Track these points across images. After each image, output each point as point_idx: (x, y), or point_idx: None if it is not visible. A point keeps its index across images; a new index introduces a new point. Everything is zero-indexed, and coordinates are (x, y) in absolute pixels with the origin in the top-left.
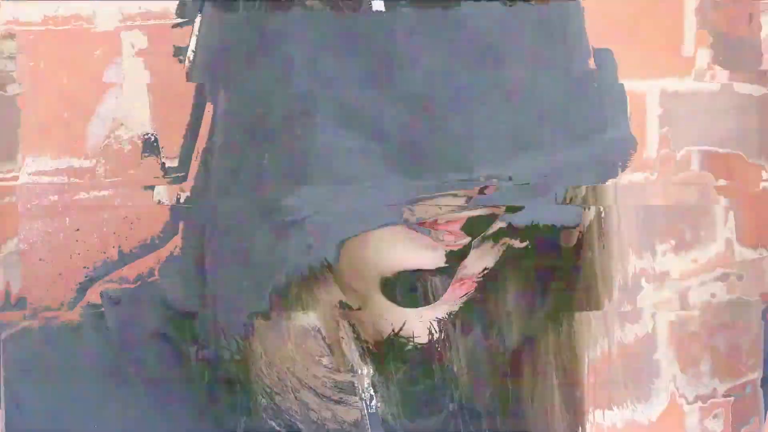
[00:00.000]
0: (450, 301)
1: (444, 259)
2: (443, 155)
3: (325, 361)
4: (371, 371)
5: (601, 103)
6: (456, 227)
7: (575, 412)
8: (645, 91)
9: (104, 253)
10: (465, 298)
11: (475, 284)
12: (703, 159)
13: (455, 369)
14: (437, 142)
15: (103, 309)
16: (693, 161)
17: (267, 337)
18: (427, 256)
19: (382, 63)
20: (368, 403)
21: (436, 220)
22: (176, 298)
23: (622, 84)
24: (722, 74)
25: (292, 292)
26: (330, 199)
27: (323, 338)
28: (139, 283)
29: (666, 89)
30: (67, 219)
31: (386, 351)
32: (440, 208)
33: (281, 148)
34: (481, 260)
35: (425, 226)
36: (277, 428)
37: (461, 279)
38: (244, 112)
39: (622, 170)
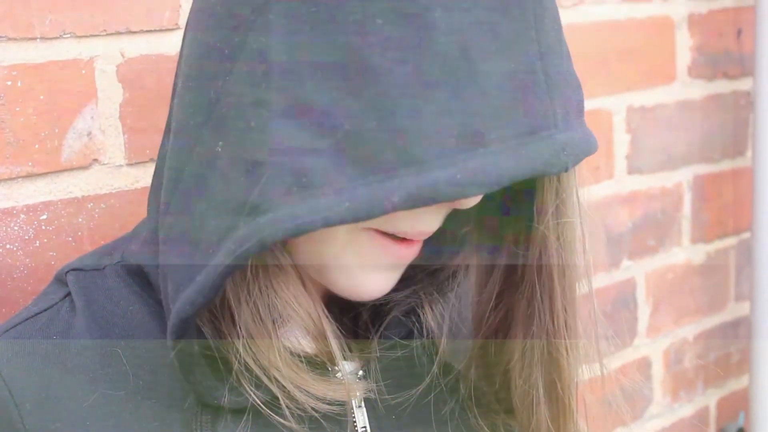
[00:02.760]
0: (401, 261)
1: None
2: (393, 150)
3: (308, 350)
4: (355, 364)
5: (552, 100)
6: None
7: (558, 371)
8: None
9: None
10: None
11: (421, 244)
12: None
13: (433, 330)
14: (387, 137)
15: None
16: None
17: (246, 321)
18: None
19: (336, 57)
20: (351, 385)
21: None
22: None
23: (577, 79)
24: (703, 87)
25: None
26: (288, 197)
27: (307, 331)
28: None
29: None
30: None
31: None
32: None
33: (235, 138)
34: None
35: (396, 240)
36: (258, 400)
37: (410, 240)
38: (200, 92)
39: (572, 166)
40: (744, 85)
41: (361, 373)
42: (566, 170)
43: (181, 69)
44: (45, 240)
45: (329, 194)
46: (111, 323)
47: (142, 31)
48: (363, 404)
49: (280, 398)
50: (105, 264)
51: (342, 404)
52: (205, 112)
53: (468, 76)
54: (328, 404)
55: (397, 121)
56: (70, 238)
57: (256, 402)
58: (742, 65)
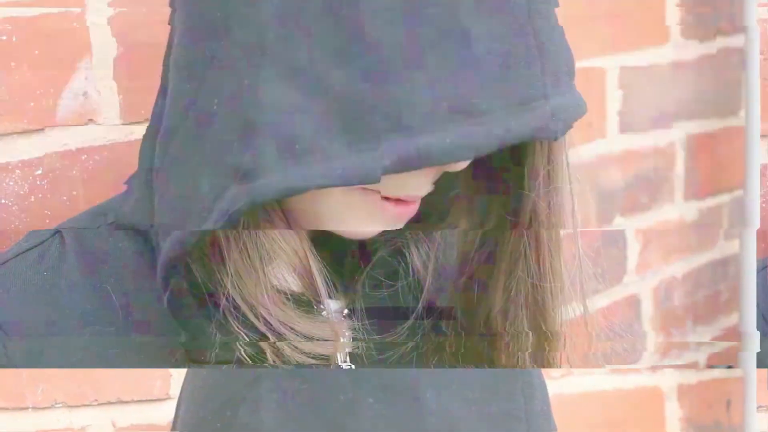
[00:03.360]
0: (397, 220)
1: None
2: (383, 116)
3: (294, 288)
4: (341, 302)
5: (543, 65)
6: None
7: (543, 314)
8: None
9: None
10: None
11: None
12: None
13: (419, 270)
14: (378, 104)
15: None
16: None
17: (235, 259)
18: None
19: (329, 22)
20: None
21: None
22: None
23: (567, 43)
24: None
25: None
26: (280, 161)
27: (293, 268)
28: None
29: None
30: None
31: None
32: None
33: (230, 97)
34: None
35: (390, 200)
36: (247, 338)
37: (405, 200)
38: (195, 53)
39: (561, 135)
40: (737, 41)
41: (346, 311)
42: (556, 138)
43: (176, 28)
44: (39, 195)
45: (320, 159)
46: (100, 260)
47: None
48: (348, 359)
49: (266, 346)
50: (99, 224)
51: (327, 358)
52: (201, 72)
53: (459, 44)
54: (313, 359)
55: (389, 89)
56: (65, 198)
57: (240, 353)
58: (732, 23)
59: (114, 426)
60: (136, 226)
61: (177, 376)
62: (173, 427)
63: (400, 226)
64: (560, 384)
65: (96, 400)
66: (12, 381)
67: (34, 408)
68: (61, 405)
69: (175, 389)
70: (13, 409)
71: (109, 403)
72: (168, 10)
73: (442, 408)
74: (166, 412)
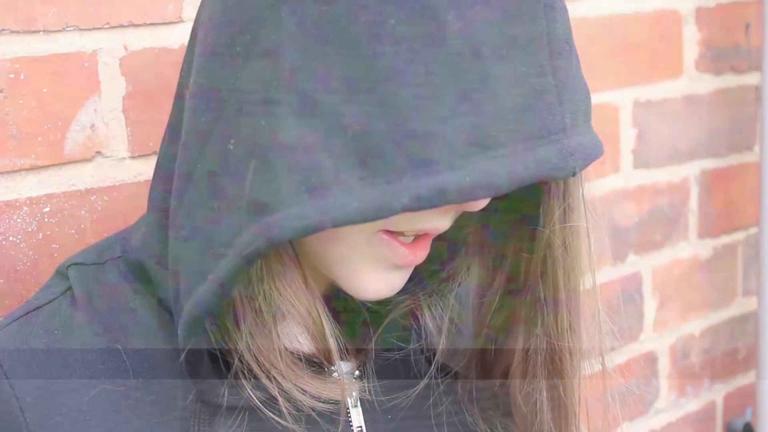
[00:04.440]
0: (409, 263)
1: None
2: (401, 151)
3: (306, 349)
4: (352, 363)
5: (561, 104)
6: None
7: (561, 374)
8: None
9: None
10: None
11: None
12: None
13: (432, 332)
14: (396, 139)
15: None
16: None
17: (249, 320)
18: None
19: (347, 57)
20: (348, 386)
21: (417, 235)
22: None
23: (585, 84)
24: (711, 81)
25: (255, 274)
26: (297, 196)
27: (306, 329)
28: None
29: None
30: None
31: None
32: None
33: (247, 135)
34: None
35: (402, 244)
36: (257, 401)
37: (417, 241)
38: (211, 89)
39: (579, 171)
40: (752, 79)
41: (357, 373)
42: (573, 175)
43: (192, 65)
44: (48, 232)
45: (338, 194)
46: (112, 319)
47: (145, 24)
48: (359, 404)
49: (277, 397)
50: (106, 258)
51: (338, 403)
52: (217, 109)
53: (479, 78)
54: (323, 403)
55: (407, 122)
56: (73, 231)
57: (253, 401)
58: (749, 60)
59: (126, 49)
60: (143, 263)
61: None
62: (188, 50)
63: (411, 269)
64: (579, 6)
65: (108, 24)
66: (23, 4)
67: (45, 31)
68: (72, 28)
69: (187, 12)
70: (24, 32)
71: (121, 26)
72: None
73: (465, 31)
74: (177, 36)
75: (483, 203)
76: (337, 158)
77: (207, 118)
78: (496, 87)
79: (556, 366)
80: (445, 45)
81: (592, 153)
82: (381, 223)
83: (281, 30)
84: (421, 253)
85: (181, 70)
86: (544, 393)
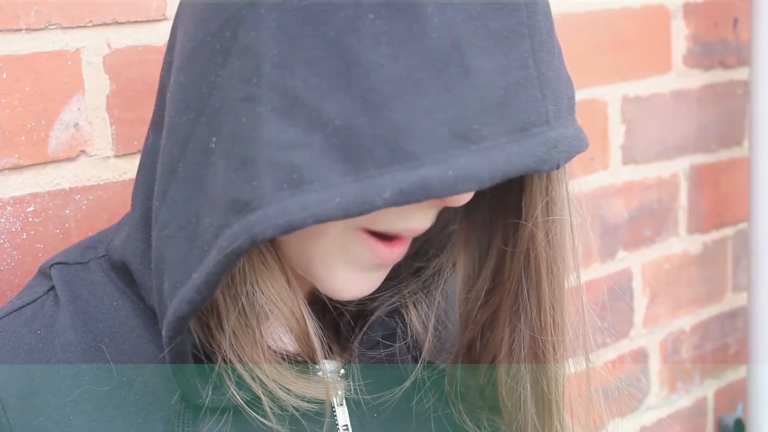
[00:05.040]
0: (387, 262)
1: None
2: (383, 145)
3: (290, 349)
4: (337, 362)
5: (543, 96)
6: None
7: (544, 369)
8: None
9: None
10: (401, 255)
11: (408, 242)
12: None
13: (418, 330)
14: (378, 134)
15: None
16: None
17: (232, 319)
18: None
19: (327, 52)
20: (333, 385)
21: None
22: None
23: (568, 76)
24: (699, 77)
25: (239, 272)
26: (279, 193)
27: (290, 329)
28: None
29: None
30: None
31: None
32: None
33: (228, 133)
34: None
35: (381, 241)
36: (241, 401)
37: (397, 239)
38: (192, 87)
39: (563, 164)
40: (741, 74)
41: (342, 372)
42: (557, 168)
43: (172, 63)
44: (32, 232)
45: (319, 190)
46: (95, 318)
47: (128, 22)
48: (344, 403)
49: (261, 397)
50: (89, 258)
51: (323, 403)
52: (198, 107)
53: (460, 71)
54: (308, 402)
55: (389, 116)
56: (58, 230)
57: (237, 401)
58: (738, 55)
59: (109, 47)
60: (127, 262)
61: None
62: (169, 49)
63: (389, 267)
64: (567, 2)
65: (91, 21)
66: (5, 1)
67: (28, 30)
68: (55, 26)
69: (171, 10)
70: (6, 30)
71: (105, 24)
72: (161, 50)
73: (445, 24)
74: (161, 34)
75: (466, 198)
76: (318, 154)
77: (188, 117)
78: (477, 80)
79: (539, 360)
80: (425, 38)
81: (576, 145)
82: (362, 220)
83: (260, 27)
84: (399, 250)
85: (162, 69)
86: (528, 387)
